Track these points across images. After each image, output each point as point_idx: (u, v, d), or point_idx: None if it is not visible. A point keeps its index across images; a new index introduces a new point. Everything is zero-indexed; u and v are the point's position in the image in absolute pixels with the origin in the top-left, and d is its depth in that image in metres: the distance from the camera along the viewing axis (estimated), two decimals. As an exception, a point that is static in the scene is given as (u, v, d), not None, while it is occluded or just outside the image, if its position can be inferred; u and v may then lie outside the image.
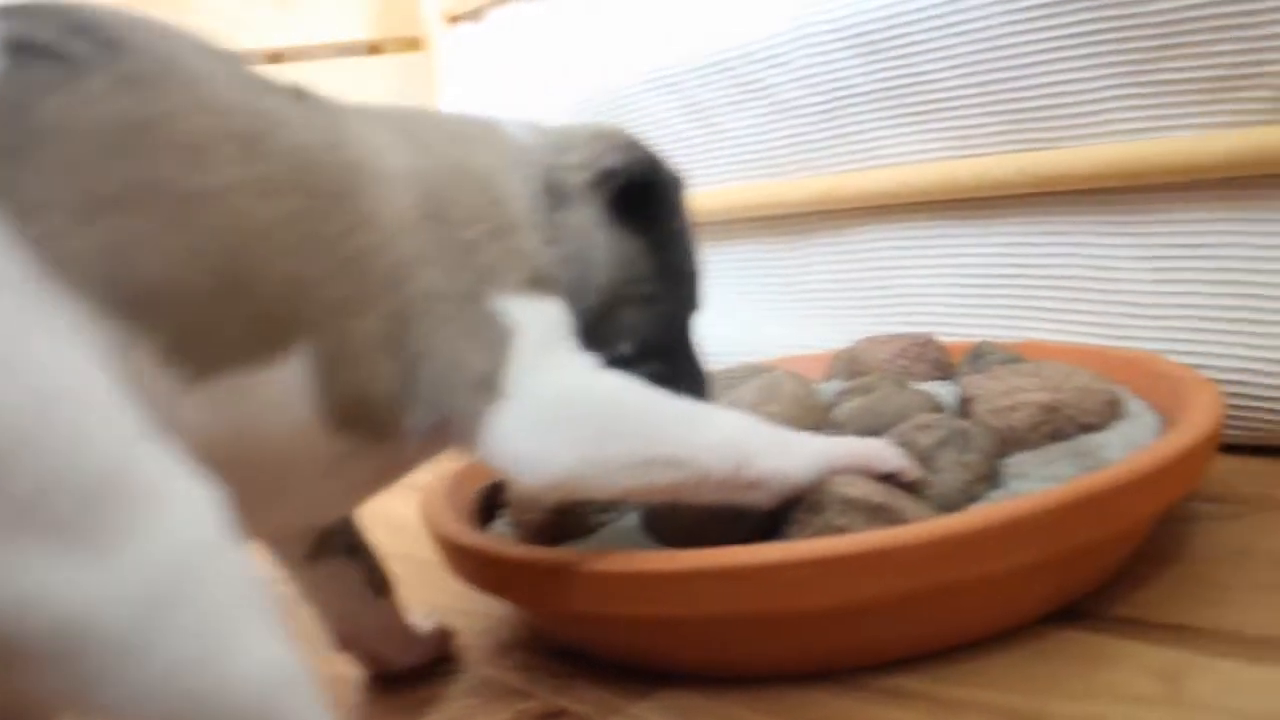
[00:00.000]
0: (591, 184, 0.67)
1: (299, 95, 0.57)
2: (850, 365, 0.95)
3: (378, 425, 0.56)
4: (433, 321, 0.56)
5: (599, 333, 0.66)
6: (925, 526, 0.58)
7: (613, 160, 0.67)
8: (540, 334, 0.59)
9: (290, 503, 0.59)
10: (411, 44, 1.91)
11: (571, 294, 0.65)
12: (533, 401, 0.57)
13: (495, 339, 0.57)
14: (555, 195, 0.66)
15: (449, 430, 0.58)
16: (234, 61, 0.54)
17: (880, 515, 0.61)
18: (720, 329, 1.34)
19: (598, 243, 0.67)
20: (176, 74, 0.49)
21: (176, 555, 0.41)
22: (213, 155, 0.48)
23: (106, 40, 0.48)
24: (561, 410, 0.57)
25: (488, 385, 0.56)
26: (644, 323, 0.68)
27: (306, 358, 0.52)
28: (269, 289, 0.50)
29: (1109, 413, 0.74)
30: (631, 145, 0.69)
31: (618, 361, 0.66)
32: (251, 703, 0.41)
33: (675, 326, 0.71)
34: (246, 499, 0.53)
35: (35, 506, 0.38)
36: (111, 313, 0.44)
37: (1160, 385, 0.80)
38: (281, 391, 0.51)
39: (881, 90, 1.05)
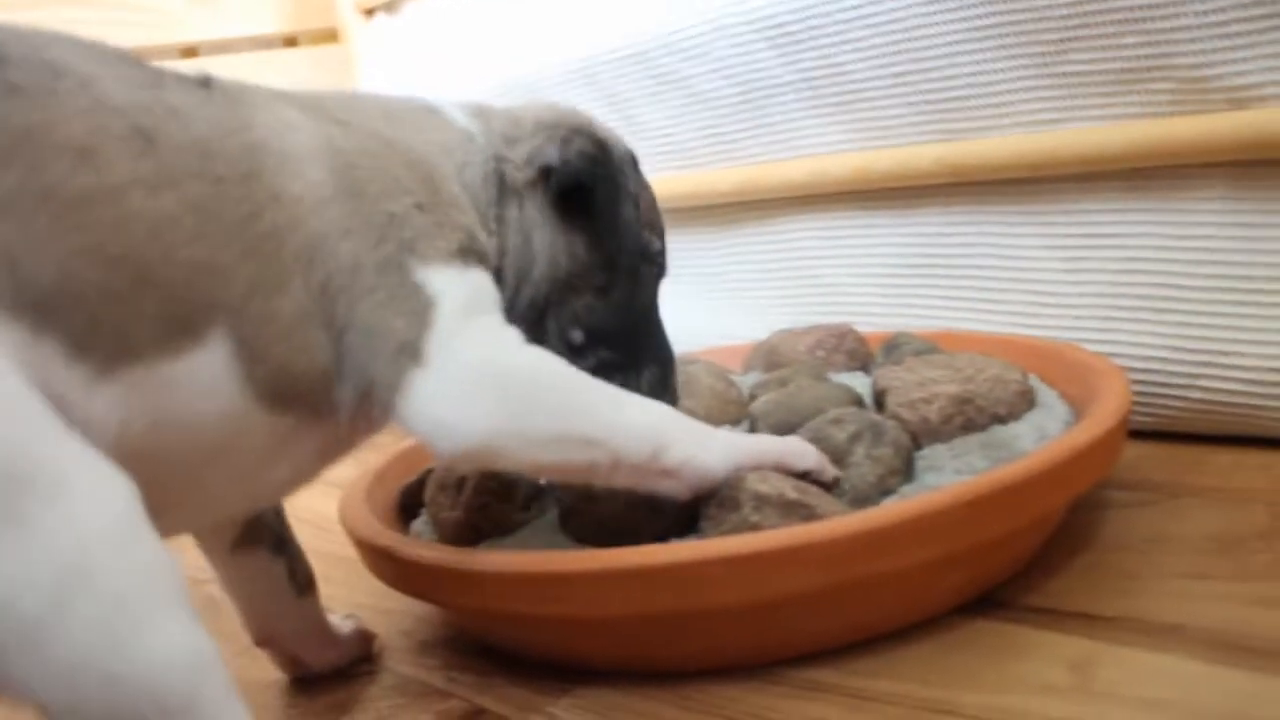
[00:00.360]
0: (531, 182, 0.68)
1: (205, 84, 0.57)
2: (769, 357, 0.95)
3: (313, 400, 0.56)
4: (356, 292, 0.56)
5: (550, 322, 0.68)
6: (836, 523, 0.59)
7: (550, 158, 0.68)
8: (464, 302, 0.59)
9: (233, 489, 0.59)
10: (328, 36, 1.89)
11: (518, 285, 0.67)
12: (453, 369, 0.57)
13: (418, 307, 0.57)
14: (500, 189, 0.67)
15: (373, 400, 0.57)
16: (125, 62, 0.54)
17: (794, 511, 0.61)
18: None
19: (540, 238, 0.67)
20: (63, 80, 0.49)
21: (84, 541, 0.42)
22: (101, 156, 0.49)
23: None
24: (481, 379, 0.57)
25: (409, 352, 0.56)
26: (592, 311, 0.69)
27: (226, 342, 0.52)
28: (175, 278, 0.50)
29: (1021, 403, 0.75)
30: (574, 136, 0.68)
31: (570, 349, 0.67)
32: (159, 685, 0.42)
33: (630, 312, 0.70)
34: (182, 488, 0.54)
35: None
36: (10, 313, 0.44)
37: (1072, 374, 0.81)
38: (204, 378, 0.51)
39: (798, 81, 1.05)
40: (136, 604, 0.42)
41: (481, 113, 0.70)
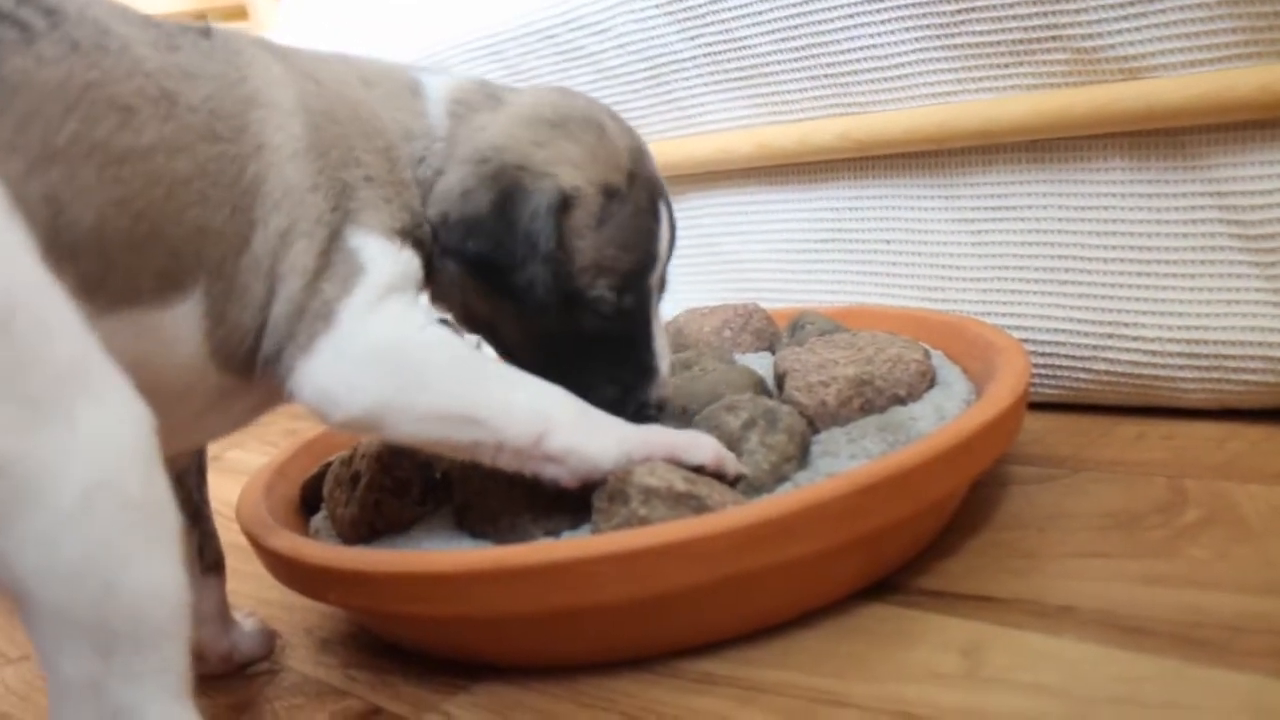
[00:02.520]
0: (438, 222, 0.67)
1: (207, 34, 0.60)
2: (675, 338, 0.94)
3: (245, 362, 0.60)
4: (308, 244, 0.59)
5: (497, 346, 0.71)
6: (722, 517, 0.58)
7: (450, 208, 0.66)
8: (389, 279, 0.61)
9: (177, 431, 0.61)
10: (237, 12, 1.86)
11: (457, 313, 0.71)
12: (353, 341, 0.59)
13: (345, 273, 0.60)
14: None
15: (281, 361, 0.60)
16: (146, 23, 0.58)
17: (684, 503, 0.60)
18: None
19: (453, 271, 0.68)
20: (108, 39, 0.53)
21: (120, 455, 0.45)
22: (139, 117, 0.53)
23: (46, 8, 0.52)
24: (377, 354, 0.60)
25: (325, 314, 0.59)
26: (520, 346, 0.70)
27: (201, 300, 0.56)
28: (178, 236, 0.55)
29: (921, 383, 0.74)
30: (478, 188, 0.66)
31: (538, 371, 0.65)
32: (146, 609, 0.45)
33: (560, 347, 0.68)
34: None
35: (12, 379, 0.43)
36: (46, 250, 0.47)
37: (974, 350, 0.80)
38: (178, 330, 0.56)
39: (701, 56, 1.04)
40: (148, 530, 0.45)
41: (461, 105, 0.69)
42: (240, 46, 0.61)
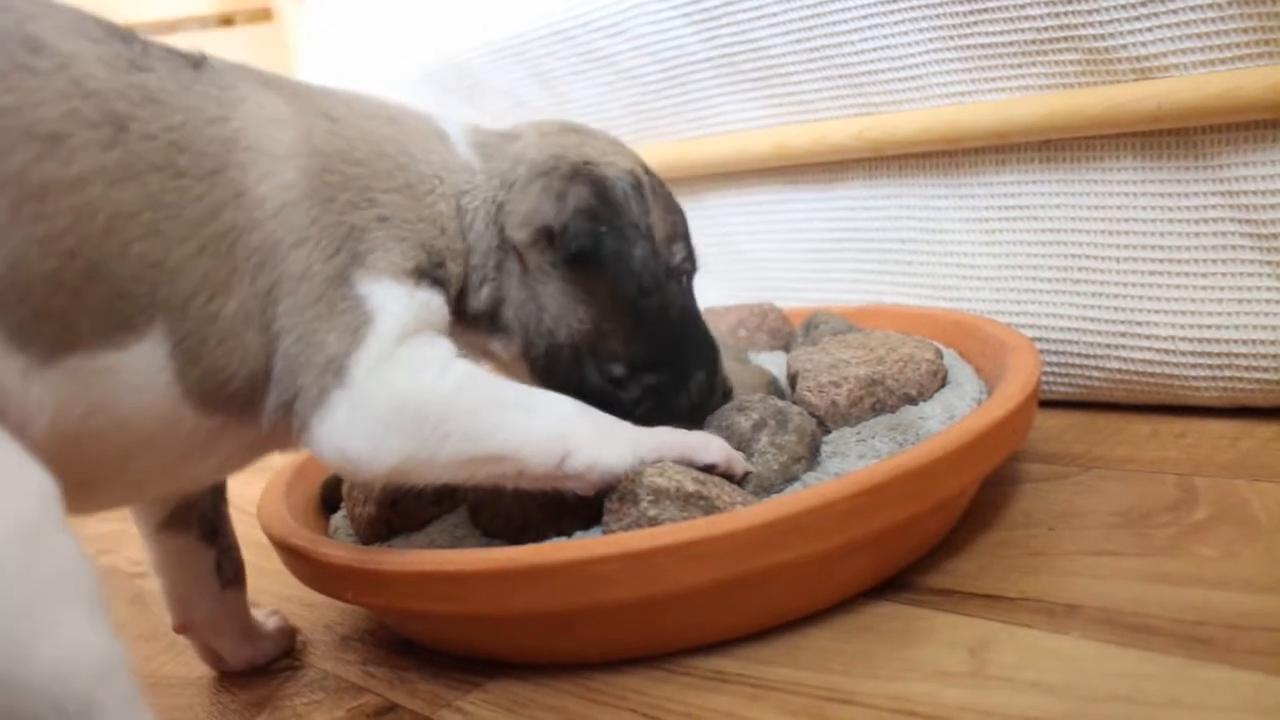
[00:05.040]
0: (532, 241, 0.66)
1: (197, 65, 0.56)
2: (692, 338, 0.95)
3: (240, 405, 0.57)
4: (300, 300, 0.56)
5: (588, 361, 0.67)
6: (731, 517, 0.58)
7: (547, 217, 0.65)
8: (402, 324, 0.59)
9: (160, 476, 0.59)
10: (262, 15, 1.87)
11: (527, 335, 0.67)
12: (370, 399, 0.57)
13: (354, 323, 0.57)
14: (500, 237, 0.66)
15: (293, 414, 0.57)
16: (114, 38, 0.53)
17: (693, 504, 0.61)
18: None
19: (548, 293, 0.66)
20: (41, 58, 0.49)
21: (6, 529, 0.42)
22: (67, 144, 0.48)
23: None
24: (395, 411, 0.57)
25: (334, 370, 0.57)
26: (630, 345, 0.68)
27: (163, 339, 0.52)
28: (123, 273, 0.50)
29: (932, 383, 0.75)
30: (569, 188, 0.66)
31: (613, 382, 0.67)
32: (58, 690, 0.42)
33: (665, 333, 0.69)
34: (111, 473, 0.55)
35: None
36: None
37: (986, 348, 0.81)
38: (139, 373, 0.52)
39: (718, 57, 1.05)
40: (40, 609, 0.42)
41: (483, 145, 0.69)
42: (233, 83, 0.58)
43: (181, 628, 0.73)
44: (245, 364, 0.56)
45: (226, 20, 1.93)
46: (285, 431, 0.59)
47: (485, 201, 0.66)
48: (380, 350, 0.57)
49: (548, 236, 0.65)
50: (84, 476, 0.52)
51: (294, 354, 0.56)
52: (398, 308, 0.59)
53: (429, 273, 0.62)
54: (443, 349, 0.61)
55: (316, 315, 0.57)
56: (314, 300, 0.57)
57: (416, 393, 0.58)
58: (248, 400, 0.57)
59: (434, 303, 0.62)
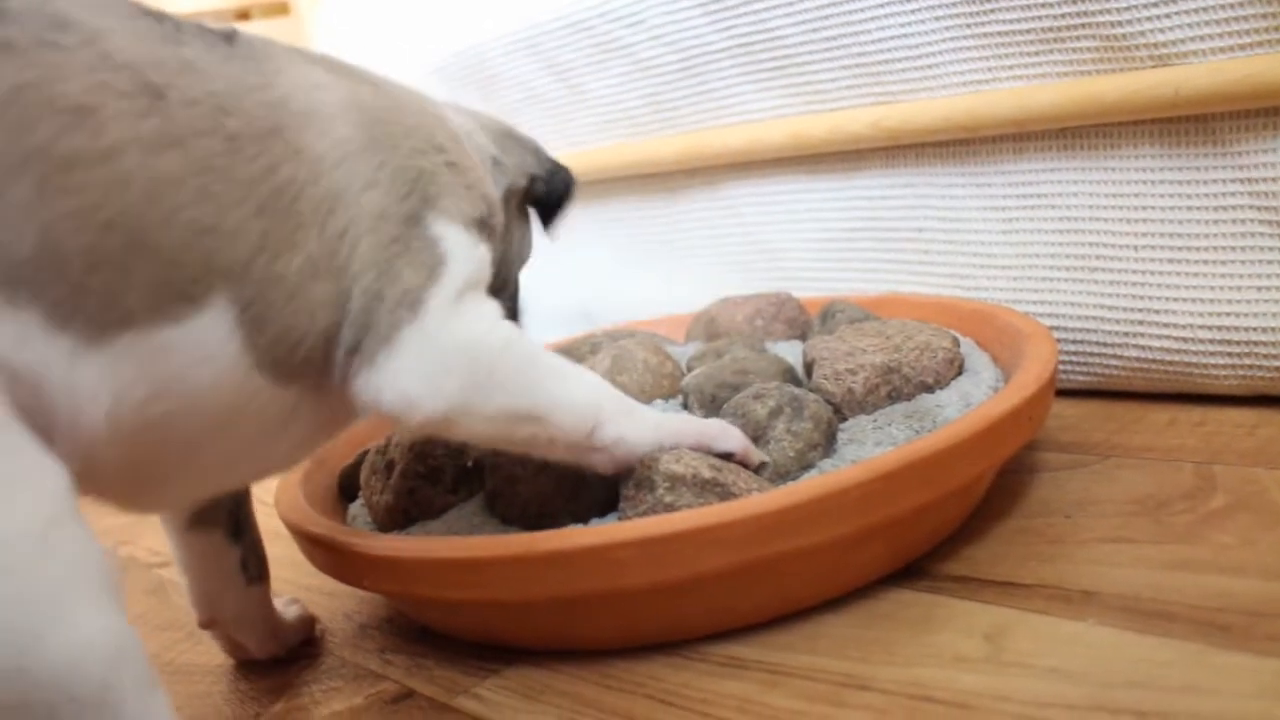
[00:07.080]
0: (520, 189, 0.73)
1: (229, 39, 0.56)
2: (708, 327, 0.95)
3: (313, 369, 0.56)
4: (379, 237, 0.57)
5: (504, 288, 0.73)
6: (747, 503, 0.58)
7: (533, 168, 0.74)
8: (468, 274, 0.60)
9: (234, 463, 0.58)
10: (279, 8, 1.88)
11: (504, 277, 0.72)
12: (438, 338, 0.57)
13: (430, 261, 0.58)
14: (503, 190, 0.71)
15: (359, 356, 0.56)
16: (144, 15, 0.52)
17: (709, 490, 0.61)
18: (595, 291, 1.34)
19: (517, 233, 0.74)
20: (65, 35, 0.47)
21: (3, 538, 0.41)
22: (97, 116, 0.47)
23: None
24: (458, 353, 0.58)
25: (411, 302, 0.57)
26: (515, 281, 0.76)
27: (226, 307, 0.51)
28: (171, 242, 0.48)
29: (948, 371, 0.75)
30: (545, 154, 0.76)
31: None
32: (70, 678, 0.41)
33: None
34: (181, 462, 0.54)
35: None
36: None
37: (1003, 337, 0.81)
38: (204, 346, 0.50)
39: (735, 47, 1.04)
40: (52, 599, 0.42)
41: (470, 116, 0.73)
42: (270, 53, 0.58)
43: (207, 623, 0.74)
44: (315, 321, 0.54)
45: (243, 14, 1.94)
46: (342, 383, 0.58)
47: (487, 158, 0.70)
48: (449, 293, 0.58)
49: (530, 182, 0.74)
50: (149, 473, 0.52)
51: (374, 290, 0.56)
52: (465, 255, 0.60)
53: (487, 223, 0.63)
54: (492, 307, 0.62)
55: (395, 253, 0.57)
56: (392, 239, 0.57)
57: (475, 341, 0.59)
58: (320, 366, 0.56)
59: (486, 259, 0.63)
